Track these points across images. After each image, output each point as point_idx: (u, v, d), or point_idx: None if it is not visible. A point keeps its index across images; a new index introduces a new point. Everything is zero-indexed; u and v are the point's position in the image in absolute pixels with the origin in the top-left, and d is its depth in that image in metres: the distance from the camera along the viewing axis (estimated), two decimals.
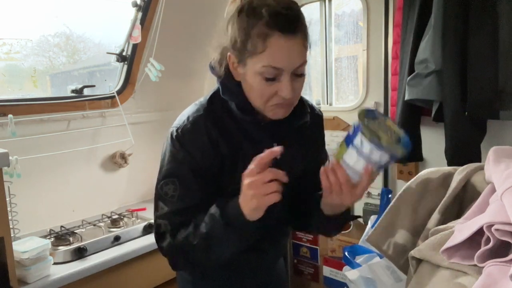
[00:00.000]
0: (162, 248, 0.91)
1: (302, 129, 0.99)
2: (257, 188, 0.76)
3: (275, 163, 0.91)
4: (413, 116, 1.63)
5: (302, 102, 0.99)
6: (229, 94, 0.92)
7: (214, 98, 0.95)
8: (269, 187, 0.75)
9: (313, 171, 0.99)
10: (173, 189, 0.89)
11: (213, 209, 0.84)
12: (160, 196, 0.91)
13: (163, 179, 0.91)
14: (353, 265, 1.66)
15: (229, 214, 0.81)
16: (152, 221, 1.75)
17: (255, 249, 1.00)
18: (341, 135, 2.04)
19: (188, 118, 0.91)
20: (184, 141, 0.89)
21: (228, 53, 0.88)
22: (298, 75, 0.86)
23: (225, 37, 0.89)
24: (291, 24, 0.81)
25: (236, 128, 0.92)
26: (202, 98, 0.97)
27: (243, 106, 0.91)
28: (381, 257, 1.57)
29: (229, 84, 0.92)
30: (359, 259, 1.67)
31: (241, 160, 0.91)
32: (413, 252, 0.83)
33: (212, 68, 0.96)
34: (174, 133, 0.91)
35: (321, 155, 1.10)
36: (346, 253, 1.75)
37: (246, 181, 0.78)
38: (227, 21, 0.88)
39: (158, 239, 0.92)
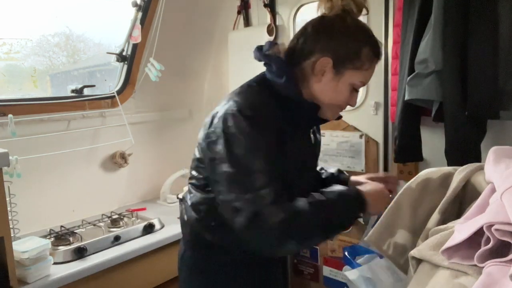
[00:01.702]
0: (272, 225, 0.85)
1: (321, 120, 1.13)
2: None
3: (310, 148, 1.17)
4: (413, 116, 1.63)
5: None
6: (294, 87, 1.00)
7: (261, 86, 1.02)
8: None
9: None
10: (263, 163, 0.89)
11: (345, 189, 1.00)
12: (246, 173, 0.89)
13: (246, 156, 0.89)
14: (353, 265, 1.66)
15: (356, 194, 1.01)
16: (152, 221, 1.78)
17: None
18: (341, 135, 2.05)
19: (256, 99, 0.98)
20: (262, 120, 0.94)
21: (325, 56, 0.98)
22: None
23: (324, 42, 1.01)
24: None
25: (282, 115, 0.98)
26: (253, 83, 1.04)
27: (300, 98, 1.01)
28: (381, 257, 1.57)
29: (292, 77, 1.00)
30: (359, 259, 1.67)
31: (287, 145, 0.99)
32: (413, 252, 0.83)
33: (267, 57, 1.02)
34: (249, 112, 0.92)
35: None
36: (346, 253, 1.74)
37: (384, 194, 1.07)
38: (331, 26, 1.02)
39: (265, 215, 0.86)
